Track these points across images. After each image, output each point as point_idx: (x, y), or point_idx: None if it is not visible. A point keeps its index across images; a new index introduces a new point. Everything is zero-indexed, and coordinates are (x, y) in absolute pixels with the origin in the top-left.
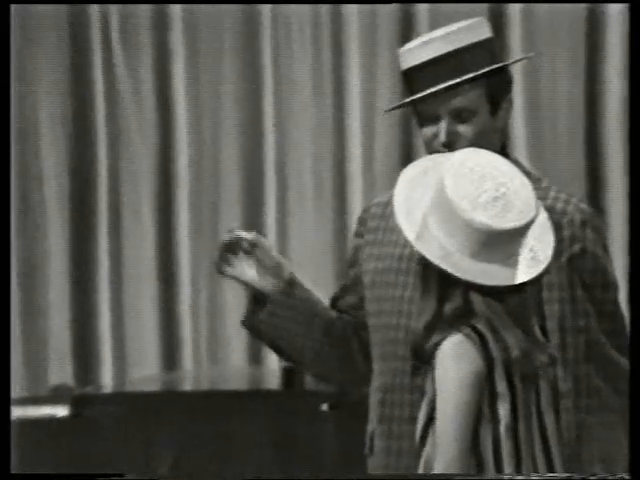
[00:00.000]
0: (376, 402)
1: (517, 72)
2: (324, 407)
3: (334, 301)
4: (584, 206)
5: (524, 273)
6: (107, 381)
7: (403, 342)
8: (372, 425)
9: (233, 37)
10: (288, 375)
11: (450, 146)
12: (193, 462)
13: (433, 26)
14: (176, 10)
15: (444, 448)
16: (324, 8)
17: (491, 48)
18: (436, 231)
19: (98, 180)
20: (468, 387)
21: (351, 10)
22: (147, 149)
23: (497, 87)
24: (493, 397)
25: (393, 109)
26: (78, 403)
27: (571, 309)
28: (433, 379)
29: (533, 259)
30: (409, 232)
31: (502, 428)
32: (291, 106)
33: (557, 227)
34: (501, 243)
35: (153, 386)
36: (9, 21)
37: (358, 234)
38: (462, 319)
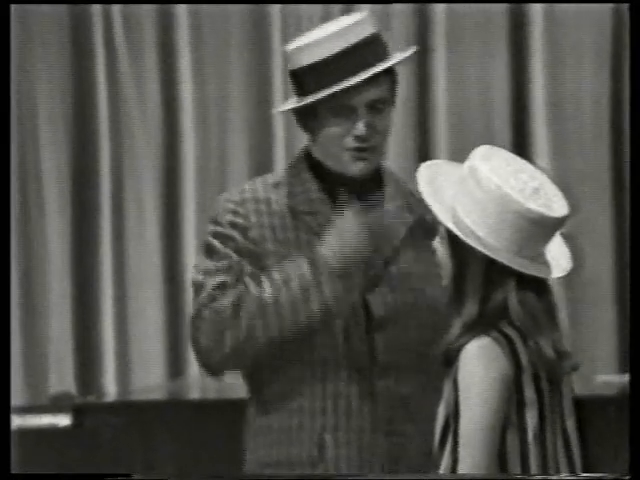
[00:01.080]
0: (324, 409)
1: (539, 71)
2: None
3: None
4: None
5: (558, 268)
6: (110, 389)
7: (358, 348)
8: (316, 432)
9: (241, 37)
10: None
11: (367, 139)
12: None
13: (449, 26)
14: (181, 10)
15: (469, 455)
16: (336, 8)
17: (384, 42)
18: (476, 228)
19: (101, 181)
20: (495, 392)
21: (364, 10)
22: (152, 150)
23: (396, 83)
24: (520, 404)
25: (299, 107)
26: (80, 412)
27: None
28: (455, 382)
29: (555, 258)
30: (456, 231)
31: (530, 436)
32: None
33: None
34: (548, 232)
35: (157, 395)
36: (9, 21)
37: (237, 226)
38: (497, 320)
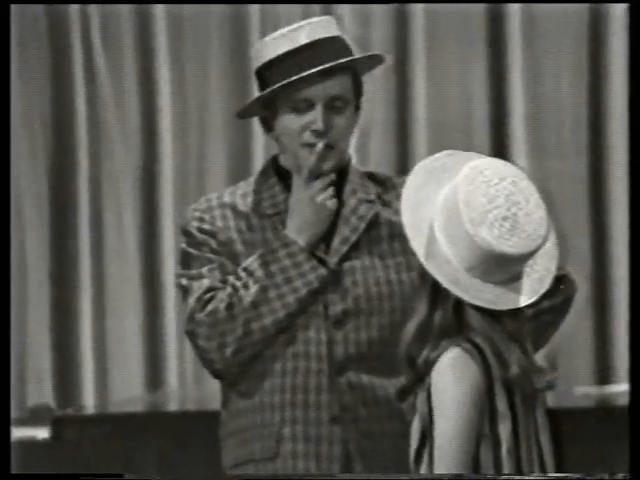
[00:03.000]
0: (283, 403)
1: (517, 74)
2: None
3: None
4: None
5: (526, 295)
6: (89, 402)
7: (316, 342)
8: (276, 427)
9: (220, 37)
10: None
11: (323, 135)
12: None
13: (428, 26)
14: (160, 10)
15: (444, 466)
16: (316, 8)
17: (347, 45)
18: (444, 245)
19: (79, 193)
20: (469, 404)
21: (344, 10)
22: (130, 152)
23: (359, 85)
24: (493, 417)
25: (268, 95)
26: (59, 425)
27: None
28: (429, 395)
29: (536, 279)
30: (419, 250)
31: (504, 450)
32: None
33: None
34: (502, 265)
35: (137, 407)
36: (9, 21)
37: (206, 232)
38: (455, 332)
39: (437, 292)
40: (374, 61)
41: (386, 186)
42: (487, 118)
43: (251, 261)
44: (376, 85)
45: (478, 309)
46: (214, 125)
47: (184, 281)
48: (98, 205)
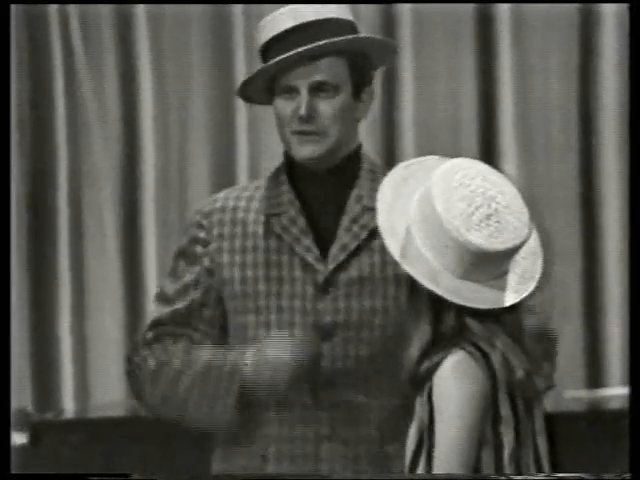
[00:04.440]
0: (268, 419)
1: (507, 74)
2: None
3: (167, 323)
4: None
5: (514, 293)
6: (68, 406)
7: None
8: (261, 445)
9: (202, 38)
10: None
11: (309, 121)
12: None
13: (416, 26)
14: (140, 10)
15: (444, 472)
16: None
17: (352, 27)
18: (423, 249)
19: (59, 193)
20: (472, 408)
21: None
22: (111, 152)
23: (360, 70)
24: (496, 421)
25: (250, 79)
26: (37, 430)
27: None
28: (428, 400)
29: (522, 277)
30: (394, 249)
31: (506, 453)
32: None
33: None
34: (493, 263)
35: (117, 411)
36: (9, 21)
37: (199, 241)
38: (460, 337)
39: (437, 307)
40: (382, 48)
41: None
42: (475, 118)
43: (204, 348)
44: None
45: (477, 314)
46: (196, 125)
47: (159, 289)
48: (78, 206)
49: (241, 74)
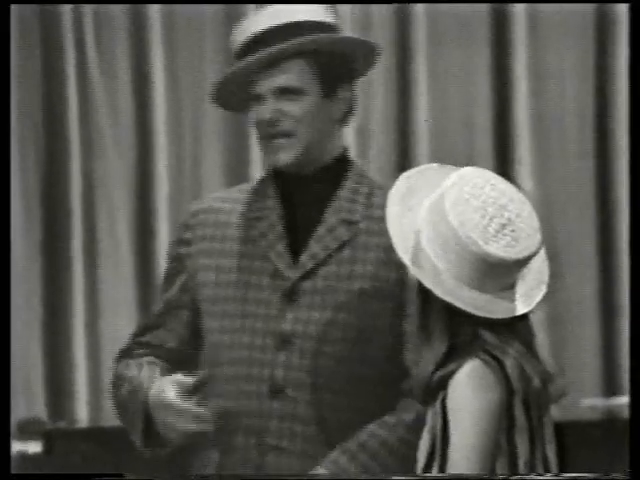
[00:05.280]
0: (224, 428)
1: (522, 75)
2: None
3: (144, 330)
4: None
5: (527, 299)
6: (82, 415)
7: (259, 362)
8: (214, 454)
9: (215, 39)
10: None
11: (275, 124)
12: None
13: (430, 27)
14: (154, 11)
15: None
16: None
17: (320, 28)
18: (437, 261)
19: (72, 195)
20: (488, 417)
21: (344, 11)
22: (124, 154)
23: (329, 69)
24: (511, 429)
25: (217, 90)
26: (50, 438)
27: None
28: (443, 407)
29: (532, 283)
30: (408, 262)
31: (521, 463)
32: None
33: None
34: (509, 273)
35: None
36: (9, 21)
37: (184, 242)
38: (474, 347)
39: (453, 319)
40: (359, 46)
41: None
42: (490, 119)
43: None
44: (376, 86)
45: (490, 323)
46: (209, 126)
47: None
48: (91, 207)
49: None
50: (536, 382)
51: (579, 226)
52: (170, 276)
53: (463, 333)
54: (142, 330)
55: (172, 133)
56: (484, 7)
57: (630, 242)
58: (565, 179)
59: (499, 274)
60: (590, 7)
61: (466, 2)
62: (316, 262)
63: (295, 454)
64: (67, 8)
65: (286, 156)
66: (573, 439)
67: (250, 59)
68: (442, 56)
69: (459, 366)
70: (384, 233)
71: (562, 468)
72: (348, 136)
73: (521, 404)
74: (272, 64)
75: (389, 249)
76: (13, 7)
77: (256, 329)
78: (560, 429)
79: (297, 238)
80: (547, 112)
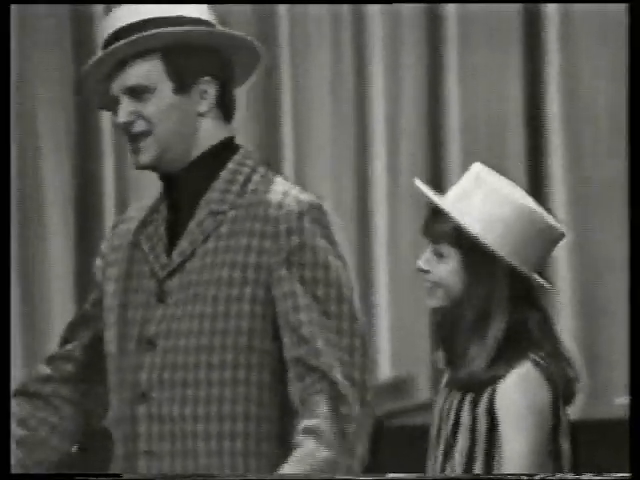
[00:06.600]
0: (120, 436)
1: (554, 74)
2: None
3: (64, 341)
4: (303, 197)
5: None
6: None
7: (129, 368)
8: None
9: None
10: None
11: (129, 127)
12: None
13: (462, 26)
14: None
15: None
16: (345, 8)
17: (178, 23)
18: (504, 246)
19: (105, 196)
20: (539, 417)
21: (374, 11)
22: None
23: (180, 65)
24: (555, 431)
25: (78, 90)
26: (87, 437)
27: (293, 305)
28: (490, 411)
29: None
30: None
31: (566, 464)
32: (310, 110)
33: (274, 221)
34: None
35: None
36: (9, 21)
37: (100, 254)
38: (525, 345)
39: (512, 303)
40: (229, 40)
41: (256, 190)
42: (522, 119)
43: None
44: (406, 85)
45: (545, 320)
46: (242, 126)
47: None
48: (125, 211)
49: (287, 74)
50: (575, 383)
51: (611, 225)
52: (89, 288)
53: (519, 317)
54: (60, 342)
55: None
56: (516, 7)
57: (630, 241)
58: (597, 176)
59: (551, 250)
60: (622, 7)
61: (498, 2)
62: (183, 258)
63: (164, 456)
64: (100, 8)
65: (144, 157)
66: (606, 437)
67: (98, 56)
68: (473, 55)
69: (510, 366)
70: (248, 219)
71: (591, 466)
72: (377, 131)
73: (562, 404)
74: (123, 64)
75: (250, 234)
76: (13, 7)
77: (133, 335)
78: (591, 427)
79: (174, 238)
80: (579, 112)
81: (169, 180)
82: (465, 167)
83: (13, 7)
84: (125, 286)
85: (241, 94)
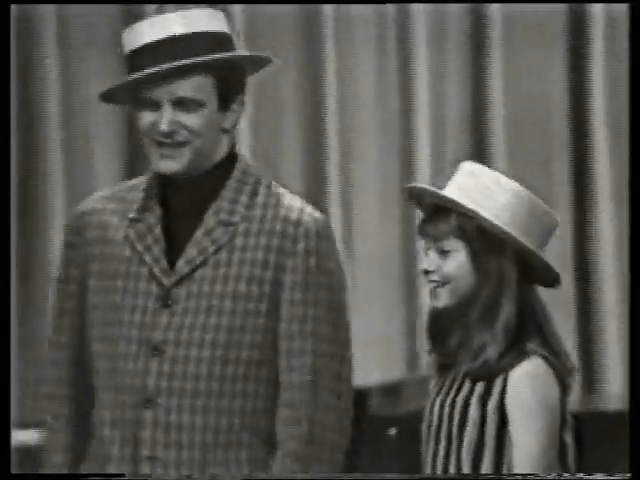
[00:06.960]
0: (107, 438)
1: (599, 73)
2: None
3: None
4: (317, 215)
5: None
6: None
7: (132, 372)
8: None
9: (293, 39)
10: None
11: (171, 136)
12: None
13: (505, 26)
14: (236, 11)
15: None
16: (391, 7)
17: (221, 41)
18: (522, 228)
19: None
20: (550, 414)
21: (419, 9)
22: None
23: (228, 82)
24: (563, 425)
25: (109, 91)
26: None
27: (299, 329)
28: (500, 406)
29: None
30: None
31: (570, 458)
32: (355, 108)
33: (293, 239)
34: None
35: None
36: (9, 21)
37: (71, 245)
38: (535, 339)
39: (520, 287)
40: (256, 61)
41: (266, 204)
42: (566, 116)
43: None
44: (451, 83)
45: (545, 310)
46: (288, 130)
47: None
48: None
49: (332, 75)
50: (571, 364)
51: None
52: (61, 282)
53: (526, 301)
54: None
55: (253, 138)
56: (561, 7)
57: (630, 241)
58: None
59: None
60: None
61: (543, 2)
62: (192, 267)
63: (169, 464)
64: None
65: (176, 165)
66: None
67: (151, 69)
68: (517, 54)
69: (521, 360)
70: (263, 233)
71: (602, 458)
72: (422, 128)
73: (566, 398)
74: (177, 74)
75: (267, 249)
76: (13, 7)
77: (131, 337)
78: (608, 417)
79: (175, 242)
80: (622, 108)
81: (173, 183)
82: (510, 162)
83: (13, 7)
84: (117, 285)
85: (287, 94)
